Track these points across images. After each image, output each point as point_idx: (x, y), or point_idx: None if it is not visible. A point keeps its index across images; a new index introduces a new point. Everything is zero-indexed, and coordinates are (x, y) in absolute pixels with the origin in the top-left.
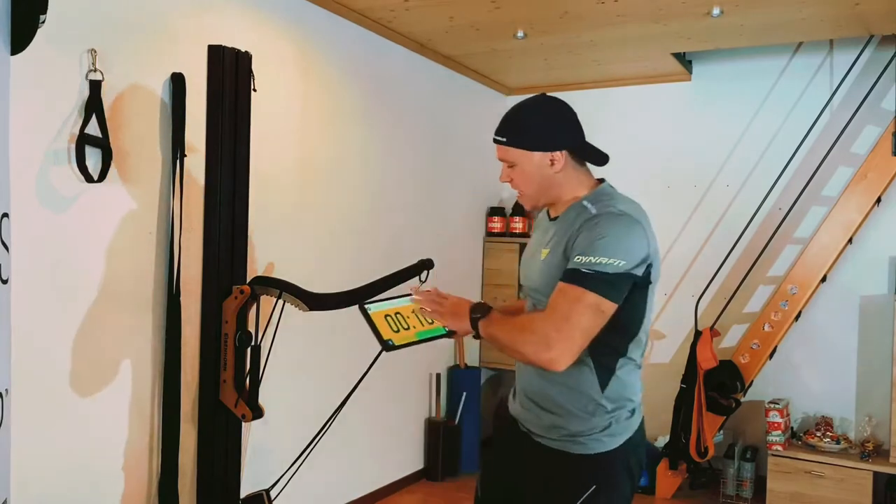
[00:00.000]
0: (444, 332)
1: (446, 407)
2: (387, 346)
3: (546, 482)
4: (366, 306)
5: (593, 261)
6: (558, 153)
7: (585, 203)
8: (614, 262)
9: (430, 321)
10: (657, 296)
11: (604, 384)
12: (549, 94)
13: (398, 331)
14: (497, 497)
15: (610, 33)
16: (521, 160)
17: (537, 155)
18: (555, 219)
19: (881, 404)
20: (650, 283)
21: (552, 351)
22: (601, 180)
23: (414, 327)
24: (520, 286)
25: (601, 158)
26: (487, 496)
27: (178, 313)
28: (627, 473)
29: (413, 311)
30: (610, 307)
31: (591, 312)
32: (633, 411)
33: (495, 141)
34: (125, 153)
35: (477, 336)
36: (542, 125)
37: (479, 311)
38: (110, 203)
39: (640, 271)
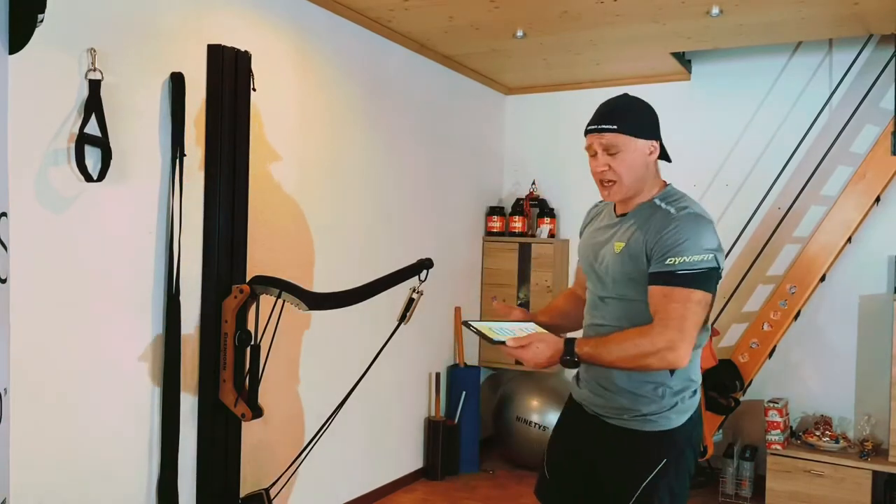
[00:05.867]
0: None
1: (446, 406)
2: (465, 322)
3: (621, 459)
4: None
5: (687, 260)
6: (656, 142)
7: (658, 202)
8: (704, 258)
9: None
10: None
11: (672, 370)
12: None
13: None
14: (569, 481)
15: (609, 33)
16: (627, 147)
17: (641, 142)
18: (623, 215)
19: (880, 403)
20: (721, 276)
21: (679, 350)
22: (667, 182)
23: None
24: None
25: (668, 157)
26: (557, 481)
27: (178, 313)
28: (691, 448)
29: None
30: (711, 299)
31: (700, 308)
32: (695, 391)
33: (599, 130)
34: (125, 153)
35: (571, 362)
36: (645, 114)
37: (569, 342)
38: (110, 203)
39: (720, 264)
